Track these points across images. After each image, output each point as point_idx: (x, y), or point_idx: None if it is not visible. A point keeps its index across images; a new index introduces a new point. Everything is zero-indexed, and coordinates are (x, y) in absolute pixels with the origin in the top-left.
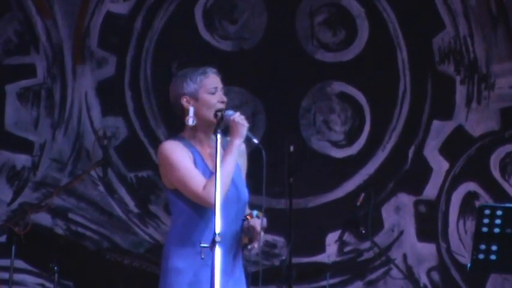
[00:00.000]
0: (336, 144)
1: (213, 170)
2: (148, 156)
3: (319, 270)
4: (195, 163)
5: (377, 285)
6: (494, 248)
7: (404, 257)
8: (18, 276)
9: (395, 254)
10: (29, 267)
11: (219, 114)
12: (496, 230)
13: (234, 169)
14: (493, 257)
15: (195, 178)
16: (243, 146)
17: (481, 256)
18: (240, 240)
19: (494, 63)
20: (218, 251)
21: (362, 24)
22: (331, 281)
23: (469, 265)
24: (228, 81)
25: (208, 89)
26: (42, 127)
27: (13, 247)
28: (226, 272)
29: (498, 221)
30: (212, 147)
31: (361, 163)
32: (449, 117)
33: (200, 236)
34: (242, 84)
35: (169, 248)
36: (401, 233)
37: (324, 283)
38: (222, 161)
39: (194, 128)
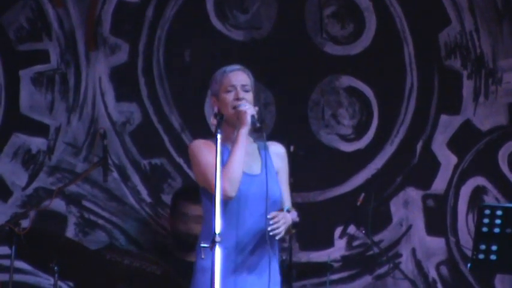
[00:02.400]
0: (344, 138)
1: (244, 169)
2: (161, 143)
3: (320, 270)
4: (224, 158)
5: (386, 279)
6: (494, 248)
7: (413, 251)
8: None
9: (404, 249)
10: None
11: (219, 114)
12: (496, 230)
13: (243, 158)
14: (493, 257)
15: (214, 173)
16: (283, 150)
17: (481, 256)
18: (270, 239)
19: (501, 59)
20: (218, 251)
21: (370, 17)
22: (340, 275)
23: (469, 265)
24: None
25: (226, 88)
26: (57, 111)
27: (13, 247)
28: (253, 270)
29: (498, 221)
30: None
31: (370, 157)
32: (456, 112)
33: (225, 232)
34: (253, 74)
35: (199, 246)
36: (409, 227)
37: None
38: (230, 152)
39: (224, 126)
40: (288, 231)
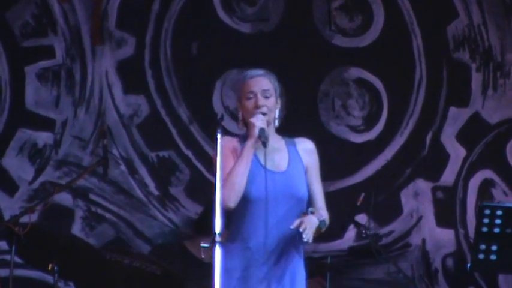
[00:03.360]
0: (354, 129)
1: (270, 167)
2: (169, 135)
3: (319, 269)
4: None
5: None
6: (494, 248)
7: (424, 242)
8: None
9: (415, 240)
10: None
11: (219, 115)
12: (496, 230)
13: (247, 169)
14: (493, 257)
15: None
16: (312, 146)
17: (481, 256)
18: (294, 238)
19: (509, 52)
20: (218, 251)
21: (378, 10)
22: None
23: (469, 265)
24: (246, 63)
25: (246, 95)
26: (63, 105)
27: (13, 247)
28: (273, 271)
29: (498, 221)
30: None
31: (380, 148)
32: (465, 104)
33: (247, 232)
34: (261, 67)
35: (227, 247)
36: (420, 218)
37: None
38: (235, 162)
39: (251, 128)
40: (316, 231)
